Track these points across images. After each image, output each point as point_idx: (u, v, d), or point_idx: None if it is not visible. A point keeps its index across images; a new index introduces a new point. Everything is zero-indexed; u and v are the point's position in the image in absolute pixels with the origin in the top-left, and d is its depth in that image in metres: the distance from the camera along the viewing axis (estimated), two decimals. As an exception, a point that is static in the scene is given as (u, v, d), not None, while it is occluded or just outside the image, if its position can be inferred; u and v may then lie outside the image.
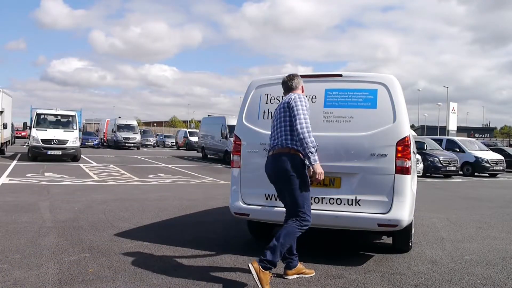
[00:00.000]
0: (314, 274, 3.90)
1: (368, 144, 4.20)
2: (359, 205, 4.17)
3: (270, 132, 3.99)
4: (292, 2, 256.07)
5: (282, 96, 4.09)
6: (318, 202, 4.24)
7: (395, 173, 4.11)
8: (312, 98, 4.46)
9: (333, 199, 4.25)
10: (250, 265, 3.38)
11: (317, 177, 3.60)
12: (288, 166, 3.61)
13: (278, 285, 3.64)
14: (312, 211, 4.19)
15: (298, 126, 3.56)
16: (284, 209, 4.32)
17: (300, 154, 3.65)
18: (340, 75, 4.52)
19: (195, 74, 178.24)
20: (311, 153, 3.54)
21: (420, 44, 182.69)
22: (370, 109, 4.30)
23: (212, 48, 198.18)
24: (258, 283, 3.33)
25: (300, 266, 3.86)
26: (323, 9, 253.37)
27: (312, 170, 3.62)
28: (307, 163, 3.64)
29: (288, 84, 3.92)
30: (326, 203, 4.26)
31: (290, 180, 3.61)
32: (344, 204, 4.21)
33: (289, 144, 3.65)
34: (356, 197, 4.19)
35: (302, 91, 3.96)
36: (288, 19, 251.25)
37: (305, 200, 3.66)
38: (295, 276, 3.80)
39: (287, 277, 3.78)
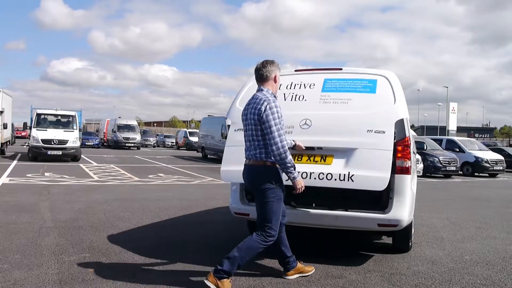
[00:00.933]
0: (313, 270, 3.90)
1: (366, 121, 4.09)
2: (352, 181, 3.96)
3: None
4: (291, 2, 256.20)
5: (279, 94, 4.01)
6: (306, 177, 3.98)
7: (395, 173, 4.09)
8: (310, 85, 4.51)
9: (323, 173, 4.03)
10: (206, 281, 3.29)
11: (298, 191, 3.50)
12: (262, 179, 3.45)
13: (278, 284, 3.65)
14: (311, 210, 4.20)
15: (274, 147, 3.35)
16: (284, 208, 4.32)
17: (277, 165, 3.48)
18: (340, 69, 4.59)
19: (195, 74, 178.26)
20: (291, 172, 3.42)
21: (420, 44, 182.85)
22: (369, 93, 4.29)
23: (212, 48, 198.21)
24: None
25: (299, 265, 3.85)
26: (323, 9, 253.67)
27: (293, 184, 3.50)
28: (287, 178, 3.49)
29: (259, 72, 3.59)
30: (315, 178, 4.03)
31: (263, 193, 3.44)
32: (336, 180, 3.99)
33: (263, 157, 3.45)
34: (349, 172, 3.97)
35: (275, 81, 3.64)
36: (288, 19, 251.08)
37: (275, 214, 3.46)
38: (296, 275, 3.80)
39: (287, 278, 3.78)
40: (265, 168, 3.47)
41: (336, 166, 4.04)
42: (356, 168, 3.97)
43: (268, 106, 3.38)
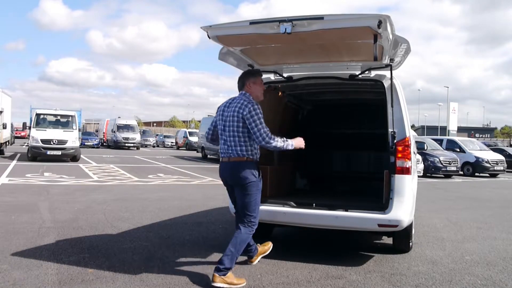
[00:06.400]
0: (271, 246, 4.31)
1: None
2: None
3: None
4: (287, 3, 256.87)
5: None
6: None
7: (395, 173, 4.09)
8: None
9: None
10: (214, 284, 3.49)
11: (302, 147, 3.87)
12: (245, 174, 3.69)
13: (278, 285, 3.64)
14: (311, 210, 4.21)
15: (260, 138, 3.60)
16: (283, 209, 4.35)
17: (254, 161, 3.75)
18: None
19: (194, 74, 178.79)
20: (287, 146, 3.71)
21: (417, 45, 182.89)
22: None
23: (210, 48, 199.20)
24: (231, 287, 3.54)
25: (259, 249, 4.20)
26: (319, 9, 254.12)
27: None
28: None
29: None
30: None
31: (246, 187, 3.70)
32: None
33: (244, 153, 3.71)
34: None
35: (259, 85, 3.87)
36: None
37: (256, 205, 3.77)
38: (259, 259, 4.18)
39: (253, 263, 4.15)
40: (247, 163, 3.71)
41: None
42: None
43: (253, 109, 3.63)
